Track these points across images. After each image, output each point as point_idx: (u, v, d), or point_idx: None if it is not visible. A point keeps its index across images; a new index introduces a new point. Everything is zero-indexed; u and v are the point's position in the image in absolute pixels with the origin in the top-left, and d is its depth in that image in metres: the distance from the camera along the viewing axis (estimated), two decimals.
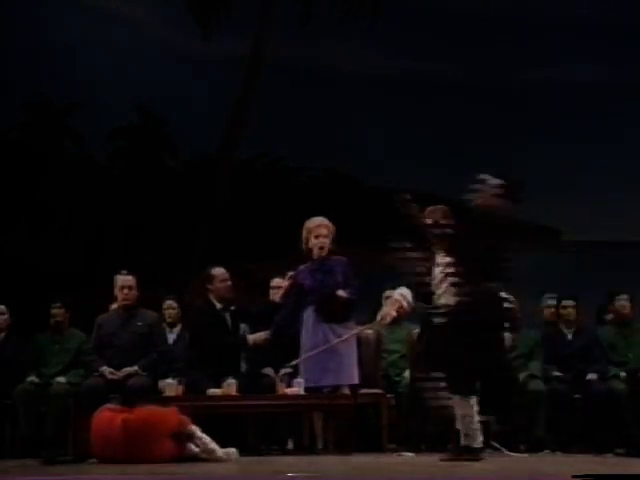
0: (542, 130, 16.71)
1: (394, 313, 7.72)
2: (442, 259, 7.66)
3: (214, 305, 8.46)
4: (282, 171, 17.47)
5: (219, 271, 8.52)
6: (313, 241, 8.10)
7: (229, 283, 8.49)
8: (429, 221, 7.66)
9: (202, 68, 16.51)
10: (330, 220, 8.28)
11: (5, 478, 6.27)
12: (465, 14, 16.48)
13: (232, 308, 8.48)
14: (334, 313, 8.01)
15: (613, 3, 16.22)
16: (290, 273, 8.25)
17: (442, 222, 7.57)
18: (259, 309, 8.83)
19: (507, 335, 7.78)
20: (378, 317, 7.93)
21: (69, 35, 15.88)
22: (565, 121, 16.69)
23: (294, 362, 8.03)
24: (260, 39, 16.15)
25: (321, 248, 8.07)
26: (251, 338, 8.41)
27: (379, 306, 9.16)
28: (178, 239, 15.45)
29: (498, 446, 7.85)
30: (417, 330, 7.96)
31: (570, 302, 8.93)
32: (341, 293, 8.05)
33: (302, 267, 8.18)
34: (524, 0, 16.79)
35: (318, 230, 8.10)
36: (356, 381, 8.04)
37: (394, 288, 9.11)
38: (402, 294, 7.68)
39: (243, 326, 8.67)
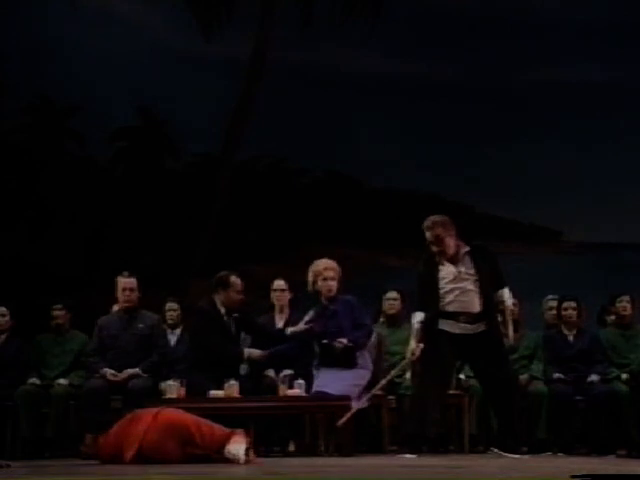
0: (542, 130, 16.67)
1: (422, 345, 7.78)
2: (447, 270, 7.69)
3: (219, 310, 8.45)
4: (283, 172, 17.43)
5: (237, 281, 8.45)
6: (321, 284, 8.15)
7: (242, 296, 8.47)
8: (429, 235, 7.68)
9: (202, 68, 16.47)
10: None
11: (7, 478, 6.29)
12: (465, 14, 16.47)
13: (235, 315, 8.46)
14: (334, 362, 8.04)
15: (613, 3, 16.19)
16: (307, 318, 8.24)
17: (443, 235, 7.64)
18: (264, 325, 8.79)
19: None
20: (408, 354, 7.95)
21: (69, 36, 15.84)
22: (565, 121, 16.64)
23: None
24: (261, 40, 16.14)
25: (329, 291, 8.14)
26: (247, 352, 8.40)
27: (379, 307, 9.18)
28: (179, 240, 15.44)
29: (498, 452, 7.85)
30: None
31: (571, 303, 8.92)
32: (339, 342, 8.06)
33: (312, 312, 8.23)
34: (524, 0, 16.77)
35: (325, 273, 8.15)
36: (364, 405, 8.06)
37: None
38: (419, 321, 7.75)
39: (243, 334, 8.66)
